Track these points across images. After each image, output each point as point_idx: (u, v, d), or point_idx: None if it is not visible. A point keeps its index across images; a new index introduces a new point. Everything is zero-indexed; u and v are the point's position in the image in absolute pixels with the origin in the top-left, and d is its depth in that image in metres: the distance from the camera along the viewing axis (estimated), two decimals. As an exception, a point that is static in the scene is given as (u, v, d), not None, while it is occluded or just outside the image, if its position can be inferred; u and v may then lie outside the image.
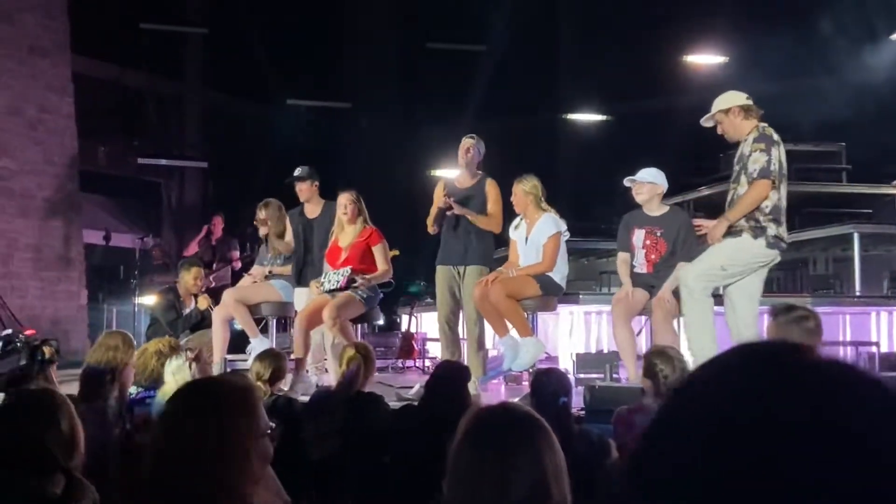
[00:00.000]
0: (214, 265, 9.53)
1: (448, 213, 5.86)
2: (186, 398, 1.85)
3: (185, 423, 1.73)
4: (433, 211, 6.06)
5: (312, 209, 6.59)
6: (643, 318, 5.92)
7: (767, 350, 0.70)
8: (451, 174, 10.31)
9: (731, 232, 4.86)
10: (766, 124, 4.90)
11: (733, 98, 4.92)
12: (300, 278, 6.47)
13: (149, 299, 8.78)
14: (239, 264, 9.73)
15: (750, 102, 4.92)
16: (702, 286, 4.86)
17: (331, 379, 5.78)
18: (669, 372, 3.59)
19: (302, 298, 6.31)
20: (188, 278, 7.03)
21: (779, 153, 4.79)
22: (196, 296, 7.05)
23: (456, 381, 3.63)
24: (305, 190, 6.54)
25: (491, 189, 5.96)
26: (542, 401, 3.42)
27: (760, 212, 4.80)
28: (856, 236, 8.03)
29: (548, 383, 3.56)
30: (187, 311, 6.99)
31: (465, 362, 5.50)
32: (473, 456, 1.64)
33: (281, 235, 6.65)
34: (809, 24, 11.78)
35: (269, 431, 1.79)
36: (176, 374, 3.97)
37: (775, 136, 4.82)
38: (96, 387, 4.20)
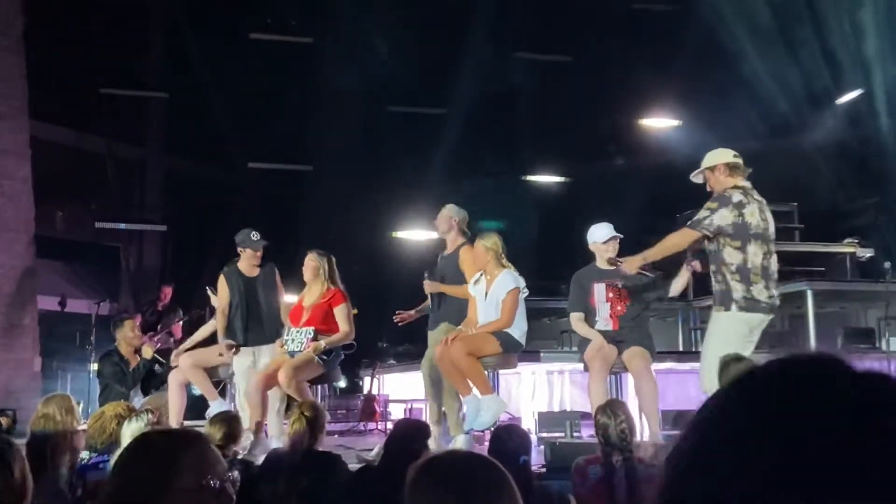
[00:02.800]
0: (158, 328, 9.44)
1: (427, 291, 6.15)
2: (137, 446, 1.83)
3: (135, 470, 1.71)
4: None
5: (251, 269, 6.53)
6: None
7: (806, 362, 0.67)
8: (412, 235, 10.40)
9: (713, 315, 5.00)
10: (747, 185, 5.01)
11: (720, 156, 5.05)
12: (244, 338, 6.35)
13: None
14: (180, 334, 9.62)
15: (737, 161, 5.04)
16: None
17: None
18: (612, 425, 3.65)
19: (245, 359, 6.25)
20: (126, 332, 7.03)
21: (737, 212, 4.86)
22: (138, 350, 7.00)
23: (415, 438, 3.60)
24: (260, 256, 6.54)
25: (465, 256, 6.11)
26: (502, 458, 3.39)
27: (727, 269, 4.87)
28: (809, 293, 8.16)
29: (508, 440, 3.55)
30: (133, 366, 6.93)
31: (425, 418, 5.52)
32: (425, 497, 1.63)
33: None
34: (759, 88, 12.14)
35: (227, 479, 1.76)
36: (134, 436, 3.89)
37: (735, 198, 4.89)
38: (44, 456, 4.09)
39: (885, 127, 11.94)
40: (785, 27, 12.24)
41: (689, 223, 4.92)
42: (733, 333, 4.80)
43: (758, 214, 4.94)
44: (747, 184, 5.02)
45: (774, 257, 4.99)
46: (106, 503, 1.73)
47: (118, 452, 3.93)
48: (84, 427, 4.36)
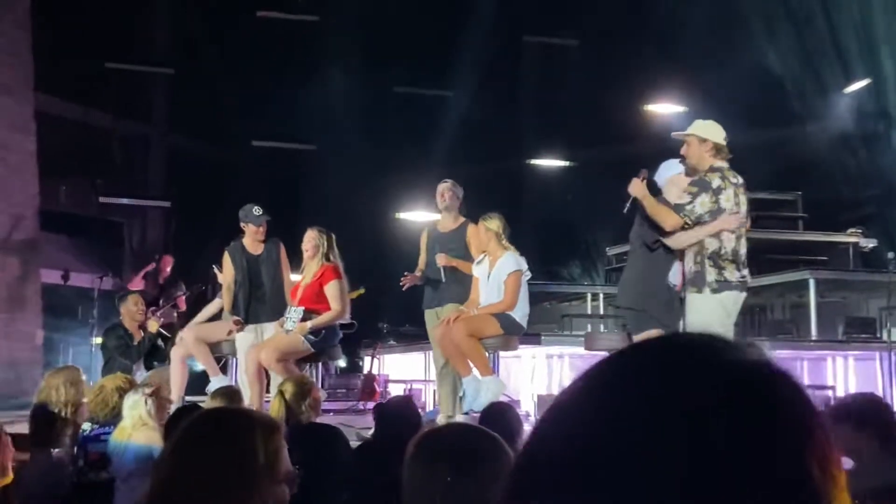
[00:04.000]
0: (161, 302, 9.43)
1: (441, 265, 6.00)
2: (206, 424, 1.69)
3: (199, 450, 1.58)
4: (420, 263, 6.27)
5: (255, 246, 6.52)
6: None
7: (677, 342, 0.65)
8: (416, 217, 10.41)
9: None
10: (724, 166, 4.98)
11: (713, 132, 5.00)
12: (247, 315, 6.36)
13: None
14: (184, 306, 9.60)
15: (724, 144, 5.01)
16: None
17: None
18: None
19: (248, 336, 6.26)
20: (129, 306, 7.05)
21: (714, 199, 4.85)
22: (142, 325, 7.03)
23: (405, 409, 3.63)
24: (264, 231, 6.52)
25: (473, 234, 6.09)
26: None
27: (704, 253, 4.88)
28: (812, 282, 8.18)
29: (499, 420, 3.55)
30: (137, 340, 6.96)
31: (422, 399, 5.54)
32: (424, 468, 1.65)
33: None
34: (766, 75, 12.10)
35: (291, 478, 1.65)
36: (132, 409, 3.93)
37: (714, 183, 4.87)
38: (49, 427, 4.12)
39: (892, 117, 11.91)
40: (792, 15, 12.19)
41: (674, 206, 4.90)
42: (709, 314, 4.82)
43: (732, 199, 4.92)
44: (725, 164, 4.99)
45: (744, 240, 5.01)
46: (161, 486, 1.56)
47: (120, 425, 3.98)
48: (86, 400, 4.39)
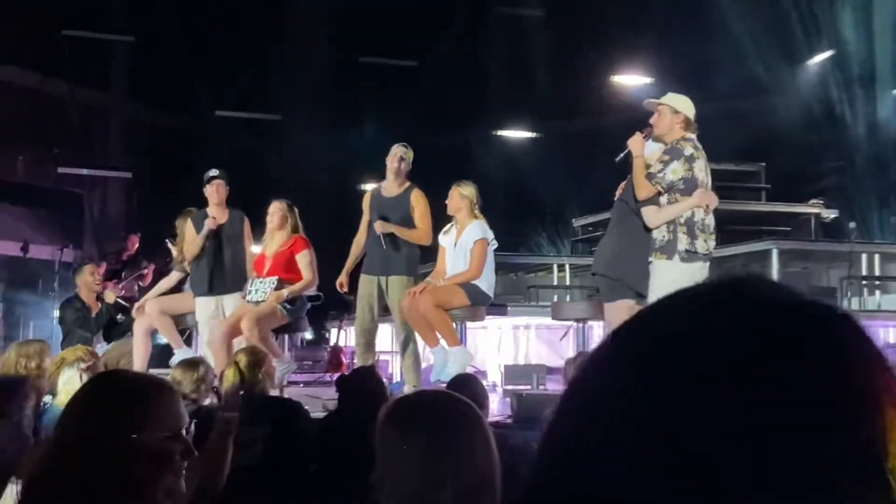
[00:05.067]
0: (123, 275, 9.30)
1: (379, 231, 5.82)
2: (102, 386, 1.75)
3: (97, 412, 1.62)
4: (362, 226, 6.10)
5: (219, 214, 6.38)
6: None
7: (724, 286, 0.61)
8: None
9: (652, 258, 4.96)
10: (692, 137, 5.00)
11: (686, 106, 5.03)
12: (208, 286, 6.27)
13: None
14: (148, 280, 9.48)
15: (693, 119, 5.04)
16: None
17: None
18: None
19: (208, 306, 6.19)
20: (86, 277, 6.96)
21: (687, 166, 4.88)
22: (99, 296, 6.93)
23: (364, 382, 3.62)
24: (223, 191, 6.39)
25: (418, 200, 5.94)
26: None
27: (677, 222, 4.90)
28: (775, 252, 8.25)
29: (463, 391, 3.55)
30: (95, 312, 6.86)
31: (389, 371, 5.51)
32: (398, 435, 1.63)
33: None
34: (731, 47, 12.14)
35: (183, 429, 1.68)
36: (67, 384, 3.86)
37: (687, 151, 4.90)
38: (6, 399, 4.05)
39: (854, 89, 12.03)
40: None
41: (646, 175, 4.92)
42: (676, 282, 4.82)
43: (704, 170, 4.97)
44: (694, 136, 5.02)
45: (711, 213, 5.05)
46: (64, 438, 1.62)
47: (56, 399, 3.91)
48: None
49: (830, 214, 9.72)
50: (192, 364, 3.96)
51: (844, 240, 7.96)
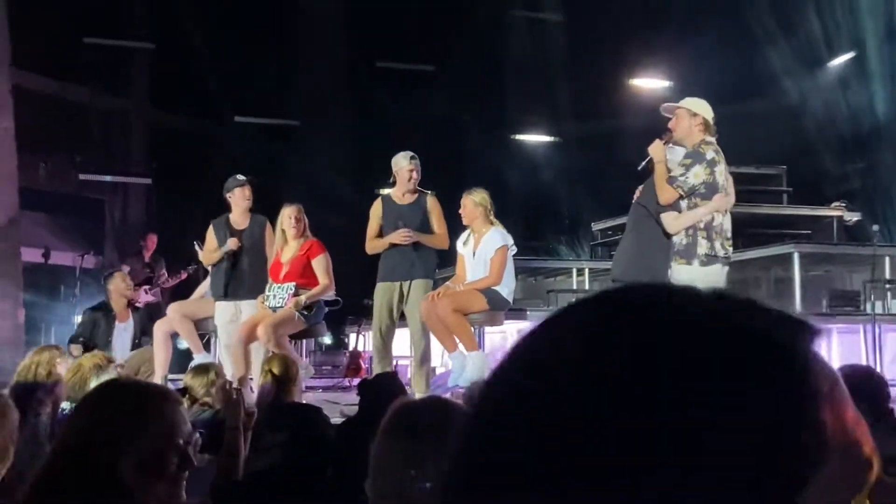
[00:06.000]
0: (156, 279, 9.37)
1: (406, 242, 5.80)
2: (106, 392, 1.78)
3: (100, 416, 1.64)
4: (373, 232, 6.05)
5: (240, 220, 6.44)
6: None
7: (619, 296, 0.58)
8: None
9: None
10: (712, 140, 4.98)
11: (705, 109, 5.03)
12: (226, 291, 6.29)
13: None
14: (169, 283, 9.54)
15: (712, 122, 5.02)
16: None
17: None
18: None
19: (227, 311, 6.20)
20: (118, 283, 6.95)
21: (709, 170, 4.86)
22: (130, 303, 6.95)
23: (387, 387, 3.60)
24: (249, 195, 6.42)
25: (434, 206, 5.96)
26: None
27: (697, 226, 4.88)
28: (796, 256, 8.18)
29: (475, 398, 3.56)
30: (119, 325, 6.87)
31: (409, 377, 5.49)
32: (389, 443, 1.61)
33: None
34: (751, 49, 12.06)
35: (191, 441, 1.69)
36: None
37: (708, 155, 4.88)
38: (25, 404, 4.08)
39: (876, 91, 11.90)
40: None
41: (667, 179, 4.91)
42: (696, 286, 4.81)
43: (724, 173, 4.96)
44: (714, 140, 5.01)
45: (729, 216, 5.03)
46: (64, 444, 1.65)
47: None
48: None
49: (853, 217, 9.63)
50: (203, 369, 3.96)
51: (867, 243, 7.87)
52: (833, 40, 12.06)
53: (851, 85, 12.18)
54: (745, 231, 9.55)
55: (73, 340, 6.88)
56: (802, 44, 12.08)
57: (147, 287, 8.31)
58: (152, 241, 10.01)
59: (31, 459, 3.77)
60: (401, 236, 5.77)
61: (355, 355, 9.16)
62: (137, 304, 7.12)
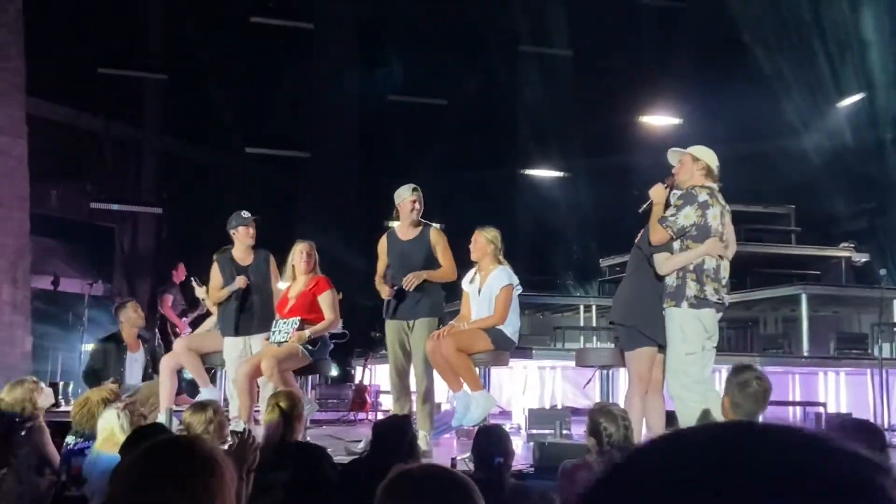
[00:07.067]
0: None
1: (411, 287, 5.79)
2: (156, 455, 1.68)
3: (137, 485, 1.59)
4: (381, 271, 6.06)
5: (244, 256, 6.42)
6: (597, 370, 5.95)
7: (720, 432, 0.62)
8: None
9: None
10: (711, 185, 4.98)
11: (709, 157, 5.04)
12: (236, 328, 6.28)
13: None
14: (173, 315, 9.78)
15: (715, 169, 5.03)
16: (689, 382, 4.76)
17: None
18: (613, 430, 3.59)
19: (236, 347, 6.20)
20: (129, 313, 6.93)
21: (700, 212, 4.85)
22: (140, 335, 6.97)
23: (400, 431, 3.59)
24: (253, 234, 6.44)
25: (438, 238, 5.94)
26: (481, 459, 3.50)
27: (686, 269, 4.87)
28: (804, 297, 8.15)
29: (485, 442, 3.57)
30: (131, 355, 6.88)
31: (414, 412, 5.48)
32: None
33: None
34: (760, 90, 12.12)
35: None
36: (105, 423, 3.88)
37: (701, 197, 4.87)
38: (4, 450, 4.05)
39: (885, 132, 11.93)
40: (787, 29, 12.22)
41: (659, 219, 4.91)
42: (689, 331, 4.81)
43: (718, 218, 4.94)
44: (715, 186, 5.01)
45: (726, 262, 4.99)
46: None
47: (98, 440, 3.92)
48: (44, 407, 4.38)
49: (861, 258, 9.62)
50: (202, 406, 3.95)
51: (875, 285, 7.85)
52: (842, 81, 12.12)
53: (861, 126, 12.21)
54: (753, 270, 9.55)
55: (86, 373, 6.89)
56: (812, 84, 12.14)
57: (190, 313, 8.40)
58: (182, 269, 10.10)
59: (20, 499, 3.77)
60: (406, 284, 5.75)
61: (361, 389, 9.14)
62: (181, 332, 7.18)
